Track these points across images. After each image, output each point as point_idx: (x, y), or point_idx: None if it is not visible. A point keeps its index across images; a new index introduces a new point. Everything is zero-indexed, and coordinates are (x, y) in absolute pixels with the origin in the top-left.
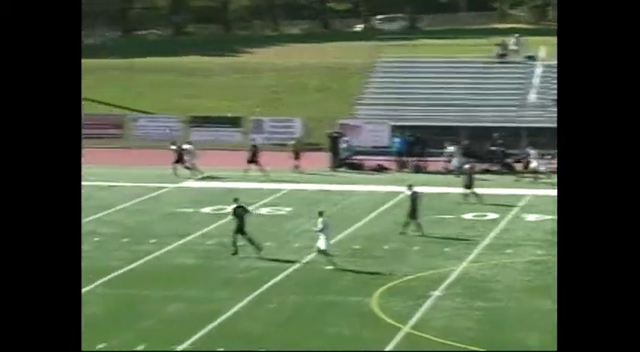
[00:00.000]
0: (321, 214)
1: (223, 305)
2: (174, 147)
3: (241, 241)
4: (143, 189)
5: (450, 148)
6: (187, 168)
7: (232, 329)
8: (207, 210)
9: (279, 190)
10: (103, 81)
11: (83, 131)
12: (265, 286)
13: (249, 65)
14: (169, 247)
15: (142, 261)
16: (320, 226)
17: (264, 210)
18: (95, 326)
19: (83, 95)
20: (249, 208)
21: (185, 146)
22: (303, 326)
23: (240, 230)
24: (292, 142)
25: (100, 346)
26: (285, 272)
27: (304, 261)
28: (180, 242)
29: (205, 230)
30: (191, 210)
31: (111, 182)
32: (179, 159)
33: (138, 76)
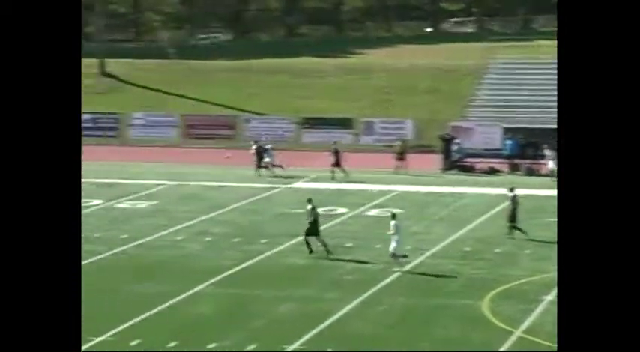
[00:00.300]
0: (394, 217)
1: (333, 306)
2: (254, 146)
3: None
4: (255, 189)
5: (547, 151)
6: (266, 167)
7: (342, 329)
8: (318, 210)
9: (389, 192)
10: (216, 82)
11: (196, 131)
12: (375, 288)
13: (361, 66)
14: (280, 247)
15: (253, 261)
16: (393, 229)
17: (374, 212)
18: (206, 326)
19: (196, 95)
20: (318, 211)
21: (267, 146)
22: (413, 328)
23: (313, 231)
24: (397, 144)
25: (211, 345)
26: (396, 274)
27: (414, 262)
28: (291, 242)
29: None
30: (302, 210)
31: (222, 182)
32: (260, 159)
33: (251, 77)
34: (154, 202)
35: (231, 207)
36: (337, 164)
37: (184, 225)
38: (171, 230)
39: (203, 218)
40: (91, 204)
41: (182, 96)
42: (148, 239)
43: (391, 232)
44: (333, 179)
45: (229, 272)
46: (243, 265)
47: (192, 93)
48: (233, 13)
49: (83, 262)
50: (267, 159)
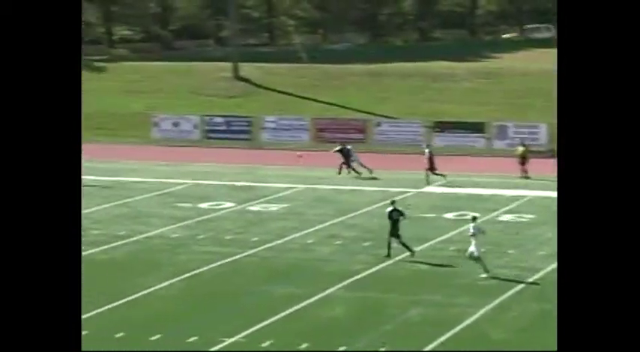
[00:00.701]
0: (474, 219)
1: (464, 311)
2: (338, 148)
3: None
4: (385, 193)
5: None
6: (353, 169)
7: (473, 334)
8: (449, 215)
9: (522, 197)
10: (349, 86)
11: (326, 134)
12: (506, 294)
13: (495, 70)
14: None
15: (383, 265)
16: (472, 231)
17: (506, 217)
18: (337, 329)
19: (328, 99)
20: (405, 212)
21: (349, 147)
22: (545, 335)
23: (394, 233)
24: (519, 148)
25: (342, 348)
26: (527, 281)
27: (547, 269)
28: (421, 247)
29: (447, 236)
30: (433, 215)
31: (353, 185)
32: (346, 161)
33: (384, 80)
34: (286, 205)
35: (362, 210)
36: (431, 168)
37: (315, 228)
38: (302, 233)
39: (334, 221)
40: (223, 206)
41: (314, 99)
42: (279, 241)
43: (470, 234)
44: (427, 183)
45: (360, 275)
46: (374, 269)
47: (324, 96)
48: (366, 17)
49: (216, 264)
50: (352, 161)
